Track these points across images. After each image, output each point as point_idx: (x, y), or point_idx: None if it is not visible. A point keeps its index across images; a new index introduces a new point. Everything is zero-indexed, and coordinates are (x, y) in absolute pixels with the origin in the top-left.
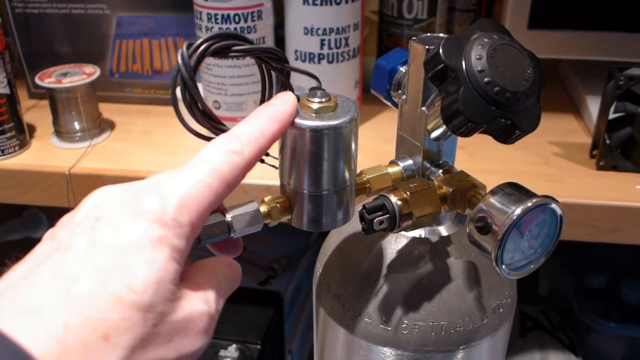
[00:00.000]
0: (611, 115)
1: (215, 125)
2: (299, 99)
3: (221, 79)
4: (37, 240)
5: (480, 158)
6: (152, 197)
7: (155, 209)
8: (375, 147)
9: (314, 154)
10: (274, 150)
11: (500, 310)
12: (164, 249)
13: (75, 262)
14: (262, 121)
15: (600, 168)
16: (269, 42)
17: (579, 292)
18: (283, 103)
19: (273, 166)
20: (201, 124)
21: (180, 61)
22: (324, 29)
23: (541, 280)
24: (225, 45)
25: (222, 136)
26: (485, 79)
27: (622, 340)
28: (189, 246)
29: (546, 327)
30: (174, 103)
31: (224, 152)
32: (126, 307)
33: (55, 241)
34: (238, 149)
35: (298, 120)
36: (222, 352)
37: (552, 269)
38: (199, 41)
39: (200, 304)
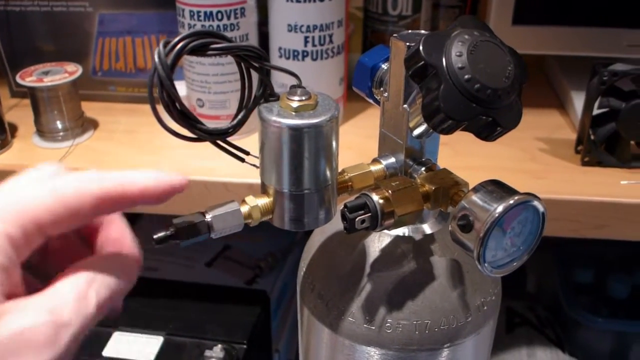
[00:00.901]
0: (595, 111)
1: (194, 125)
2: (279, 97)
3: (204, 77)
4: None
5: (465, 154)
6: None
7: None
8: (361, 144)
9: (295, 152)
10: (255, 149)
11: (485, 308)
12: None
13: None
14: (140, 176)
15: (585, 164)
16: (253, 40)
17: (567, 287)
18: (172, 179)
19: (254, 165)
20: (179, 124)
21: (156, 60)
22: (308, 26)
23: (528, 276)
24: (203, 44)
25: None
26: (466, 76)
27: (610, 335)
28: (9, 259)
29: (533, 323)
30: (151, 103)
31: (78, 179)
32: None
33: None
34: (94, 178)
35: (278, 119)
36: (207, 352)
37: (540, 265)
38: (176, 39)
39: (33, 315)
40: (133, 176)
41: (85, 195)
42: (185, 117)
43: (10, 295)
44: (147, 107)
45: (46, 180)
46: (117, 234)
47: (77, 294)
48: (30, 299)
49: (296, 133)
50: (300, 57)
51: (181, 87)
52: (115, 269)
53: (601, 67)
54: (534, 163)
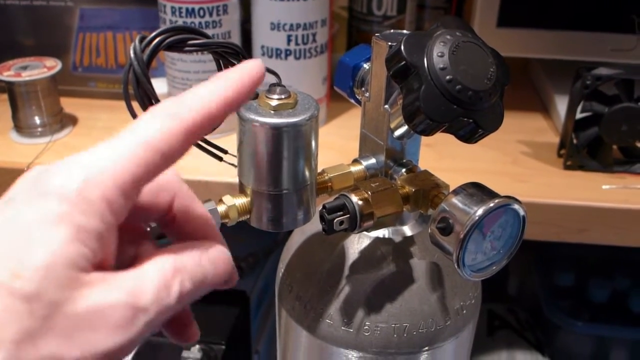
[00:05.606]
0: (578, 115)
1: None
2: (257, 96)
3: (186, 74)
4: None
5: (448, 156)
6: (61, 171)
7: (59, 183)
8: (343, 145)
9: (273, 152)
10: (233, 148)
11: (464, 311)
12: (63, 228)
13: None
14: (215, 84)
15: (567, 167)
16: (235, 37)
17: (547, 290)
18: (246, 67)
19: (232, 164)
20: None
21: (132, 55)
22: (291, 25)
23: (509, 279)
24: (180, 39)
25: (165, 100)
26: (447, 77)
27: (589, 339)
28: (106, 226)
29: (514, 326)
30: (126, 99)
31: (158, 116)
32: (8, 295)
33: None
34: (174, 112)
35: (256, 117)
36: (184, 353)
37: (521, 267)
38: (153, 34)
39: (115, 293)
40: (204, 94)
41: (173, 136)
42: None
43: (98, 266)
44: None
45: (126, 131)
46: (204, 223)
47: (160, 281)
48: (115, 275)
49: (275, 132)
50: (283, 55)
51: (162, 84)
52: (205, 263)
53: (585, 71)
54: (516, 166)
